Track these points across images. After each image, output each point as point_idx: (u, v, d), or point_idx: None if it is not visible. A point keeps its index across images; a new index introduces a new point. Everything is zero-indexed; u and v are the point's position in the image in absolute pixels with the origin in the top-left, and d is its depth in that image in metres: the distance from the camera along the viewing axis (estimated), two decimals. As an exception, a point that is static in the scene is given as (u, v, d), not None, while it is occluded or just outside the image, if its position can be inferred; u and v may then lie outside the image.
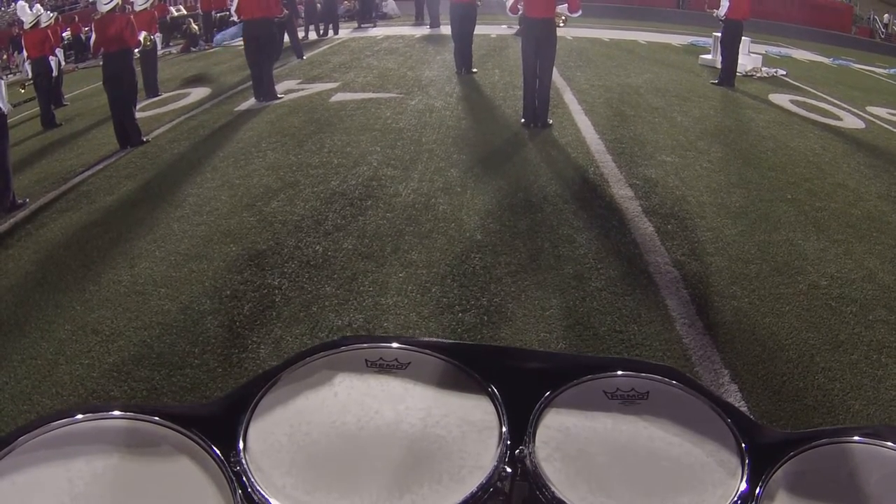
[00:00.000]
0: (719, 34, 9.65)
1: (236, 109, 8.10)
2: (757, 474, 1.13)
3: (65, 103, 9.66)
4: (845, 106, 8.77)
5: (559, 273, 3.77)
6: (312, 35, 15.05)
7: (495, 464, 1.14)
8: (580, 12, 6.67)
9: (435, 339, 1.44)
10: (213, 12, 16.32)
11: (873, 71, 13.22)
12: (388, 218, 4.57)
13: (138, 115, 7.28)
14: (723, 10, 9.03)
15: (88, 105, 9.51)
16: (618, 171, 5.51)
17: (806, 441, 1.19)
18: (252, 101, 8.36)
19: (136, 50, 7.28)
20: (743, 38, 9.44)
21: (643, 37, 15.17)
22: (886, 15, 18.90)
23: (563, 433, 1.22)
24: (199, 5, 17.03)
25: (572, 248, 4.08)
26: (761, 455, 1.16)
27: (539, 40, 6.40)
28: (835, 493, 1.10)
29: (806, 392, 2.78)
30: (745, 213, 4.70)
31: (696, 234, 4.30)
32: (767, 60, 11.54)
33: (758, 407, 2.67)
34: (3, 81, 5.38)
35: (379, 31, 15.30)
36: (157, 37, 10.13)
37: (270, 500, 1.07)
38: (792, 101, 8.75)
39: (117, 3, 6.77)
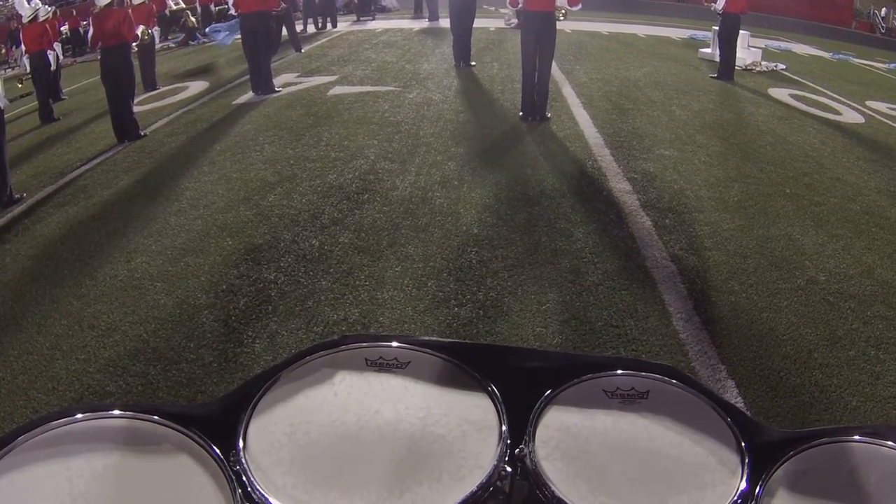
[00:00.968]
0: (718, 28, 9.63)
1: (234, 103, 8.07)
2: (757, 473, 1.13)
3: (63, 97, 9.63)
4: (845, 100, 8.74)
5: (556, 267, 3.76)
6: (311, 28, 14.98)
7: (495, 463, 1.14)
8: (580, 6, 6.64)
9: (435, 339, 1.44)
10: (211, 5, 16.25)
11: (873, 65, 13.18)
12: (385, 212, 4.55)
13: (136, 108, 7.26)
14: (720, 4, 9.01)
15: (86, 99, 9.47)
16: (616, 164, 5.50)
17: (806, 440, 1.19)
18: (250, 94, 8.33)
19: (134, 44, 7.25)
20: (742, 32, 9.43)
21: (642, 30, 15.10)
22: (885, 9, 18.81)
23: (562, 432, 1.22)
24: (197, -1, 16.94)
25: (569, 243, 4.06)
26: (761, 454, 1.16)
27: (539, 34, 6.37)
28: (835, 492, 1.10)
29: (803, 388, 2.77)
30: (744, 207, 4.69)
31: (693, 229, 4.29)
32: (767, 54, 11.50)
33: (755, 403, 2.66)
34: (-1, 76, 5.36)
35: (378, 25, 15.23)
36: (156, 31, 10.08)
37: (270, 499, 1.07)
38: (791, 96, 8.72)
39: (114, -2, 6.75)
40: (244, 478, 1.11)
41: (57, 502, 1.04)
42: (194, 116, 7.65)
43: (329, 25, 15.10)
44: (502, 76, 9.07)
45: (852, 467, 1.14)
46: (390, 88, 8.34)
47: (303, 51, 11.52)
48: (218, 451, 1.15)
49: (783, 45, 14.37)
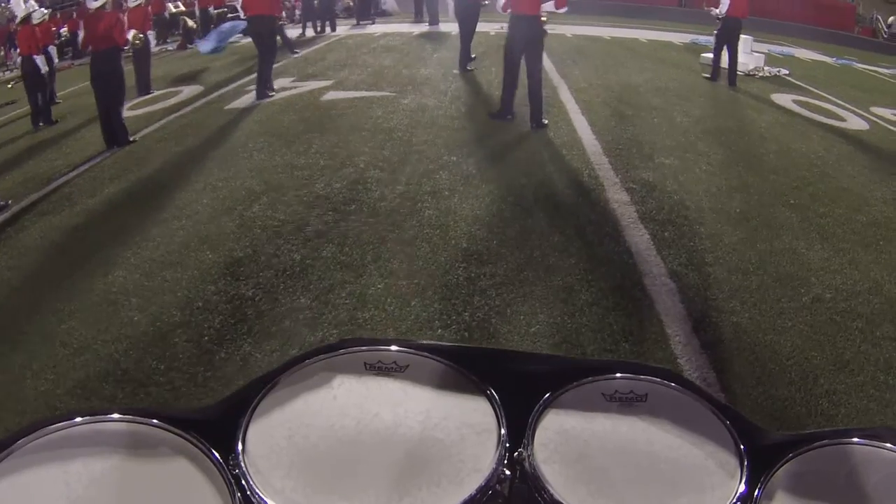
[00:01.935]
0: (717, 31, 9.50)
1: (227, 108, 7.94)
2: (756, 475, 1.13)
3: (57, 101, 9.51)
4: (849, 106, 8.58)
5: (547, 285, 3.59)
6: (310, 32, 14.88)
7: (494, 466, 1.14)
8: (566, 8, 6.53)
9: (434, 342, 1.44)
10: (210, 8, 16.12)
11: (877, 71, 13.03)
12: (371, 223, 4.39)
13: (128, 113, 7.14)
14: (723, 8, 8.87)
15: (80, 103, 9.33)
16: (614, 173, 5.33)
17: (805, 442, 1.19)
18: (244, 98, 8.22)
19: (127, 48, 7.10)
20: (745, 36, 9.34)
21: (644, 35, 14.99)
22: (892, 18, 18.68)
23: (561, 435, 1.22)
24: (196, 1, 16.82)
25: (563, 258, 3.89)
26: (760, 456, 1.17)
27: (527, 39, 6.24)
28: (834, 494, 1.10)
29: (809, 418, 2.60)
30: (746, 219, 4.52)
31: (693, 242, 4.12)
32: (770, 59, 11.38)
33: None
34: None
35: (377, 29, 15.12)
36: (150, 34, 9.97)
37: (269, 502, 1.07)
38: (794, 101, 8.57)
39: (106, 0, 6.60)
40: (243, 481, 1.10)
41: None
42: (186, 121, 7.53)
43: (328, 29, 15.00)
44: (499, 81, 8.84)
45: (851, 469, 1.14)
46: (385, 94, 8.19)
47: (298, 52, 11.42)
48: (217, 454, 1.14)
49: (786, 49, 14.25)
